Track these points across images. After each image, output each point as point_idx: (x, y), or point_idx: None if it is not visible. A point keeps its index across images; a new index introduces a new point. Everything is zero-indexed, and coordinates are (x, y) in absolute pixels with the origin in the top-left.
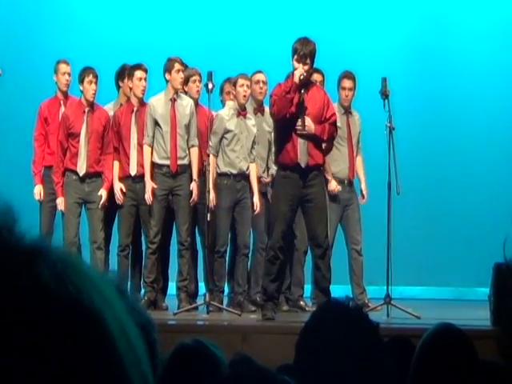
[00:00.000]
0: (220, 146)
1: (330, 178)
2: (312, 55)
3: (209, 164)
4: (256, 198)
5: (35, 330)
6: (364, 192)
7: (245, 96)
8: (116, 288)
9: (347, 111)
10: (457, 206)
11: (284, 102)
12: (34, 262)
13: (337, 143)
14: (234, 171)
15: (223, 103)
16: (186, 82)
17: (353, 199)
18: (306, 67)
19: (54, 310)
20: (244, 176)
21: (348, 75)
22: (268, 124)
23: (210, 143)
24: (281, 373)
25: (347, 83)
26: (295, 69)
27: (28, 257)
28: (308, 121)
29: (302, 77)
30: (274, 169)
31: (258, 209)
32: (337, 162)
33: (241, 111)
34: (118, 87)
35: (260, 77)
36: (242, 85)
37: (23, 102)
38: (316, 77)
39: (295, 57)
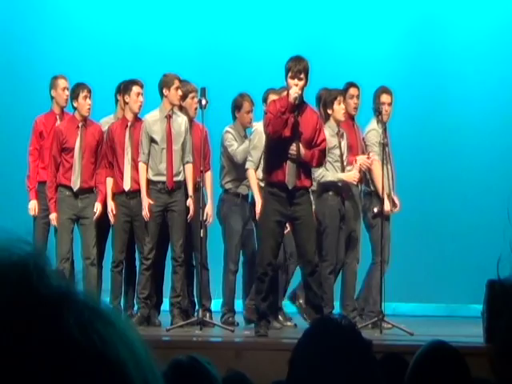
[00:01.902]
0: (260, 160)
1: (384, 197)
2: (306, 71)
3: (199, 180)
4: None
5: (57, 380)
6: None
7: None
8: None
9: (385, 128)
10: (450, 222)
11: (279, 122)
12: (61, 309)
13: (384, 160)
14: None
15: (237, 120)
16: (184, 97)
17: (389, 215)
18: (302, 82)
19: (77, 361)
20: None
21: (386, 90)
22: None
23: (250, 158)
24: None
25: (386, 98)
26: (290, 87)
27: (55, 304)
28: (301, 148)
29: (296, 98)
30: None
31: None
32: (385, 178)
33: None
34: (117, 101)
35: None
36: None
37: (16, 116)
38: (352, 91)
39: (289, 74)
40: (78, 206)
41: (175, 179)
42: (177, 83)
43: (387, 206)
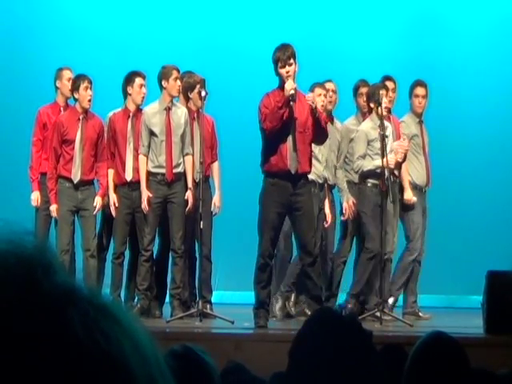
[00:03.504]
0: None
1: (406, 186)
2: (294, 56)
3: (205, 171)
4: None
5: (59, 379)
6: None
7: (322, 106)
8: None
9: (420, 120)
10: (449, 214)
11: (276, 117)
12: (65, 307)
13: (415, 151)
14: (320, 180)
15: None
16: (191, 89)
17: (427, 207)
18: (293, 68)
19: (80, 360)
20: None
21: (421, 83)
22: (339, 132)
23: None
24: (274, 381)
25: (420, 91)
26: (283, 77)
27: (59, 301)
28: (311, 95)
29: (293, 93)
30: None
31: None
32: (416, 170)
33: None
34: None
35: (329, 86)
36: (320, 94)
37: (19, 106)
38: (388, 85)
39: (279, 64)
40: (77, 197)
41: (175, 171)
42: (175, 74)
43: (409, 195)
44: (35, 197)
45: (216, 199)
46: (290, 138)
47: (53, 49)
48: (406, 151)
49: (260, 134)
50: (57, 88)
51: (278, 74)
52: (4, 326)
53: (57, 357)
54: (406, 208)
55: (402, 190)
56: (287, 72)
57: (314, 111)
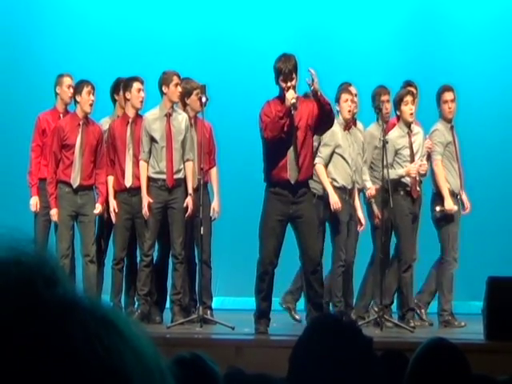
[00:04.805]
0: (331, 158)
1: (446, 194)
2: (296, 69)
3: (204, 176)
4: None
5: None
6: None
7: (349, 111)
8: None
9: (451, 125)
10: None
11: (277, 127)
12: (66, 319)
13: (450, 159)
14: (349, 186)
15: None
16: (188, 94)
17: (460, 213)
18: (294, 82)
19: (80, 374)
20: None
21: (448, 88)
22: (362, 135)
23: (320, 154)
24: None
25: (449, 96)
26: (283, 88)
27: (60, 313)
28: (311, 71)
29: (294, 103)
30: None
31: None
32: (452, 177)
33: (345, 125)
34: (114, 101)
35: (352, 90)
36: (346, 100)
37: (18, 112)
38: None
39: (280, 77)
40: (77, 202)
41: (175, 177)
42: (176, 80)
43: (449, 205)
44: (34, 202)
45: (215, 205)
46: (291, 148)
47: (52, 54)
48: (429, 150)
49: (260, 141)
50: (56, 94)
51: (278, 84)
52: (3, 337)
53: (56, 369)
54: (447, 218)
55: (440, 199)
56: (288, 87)
57: (314, 92)
